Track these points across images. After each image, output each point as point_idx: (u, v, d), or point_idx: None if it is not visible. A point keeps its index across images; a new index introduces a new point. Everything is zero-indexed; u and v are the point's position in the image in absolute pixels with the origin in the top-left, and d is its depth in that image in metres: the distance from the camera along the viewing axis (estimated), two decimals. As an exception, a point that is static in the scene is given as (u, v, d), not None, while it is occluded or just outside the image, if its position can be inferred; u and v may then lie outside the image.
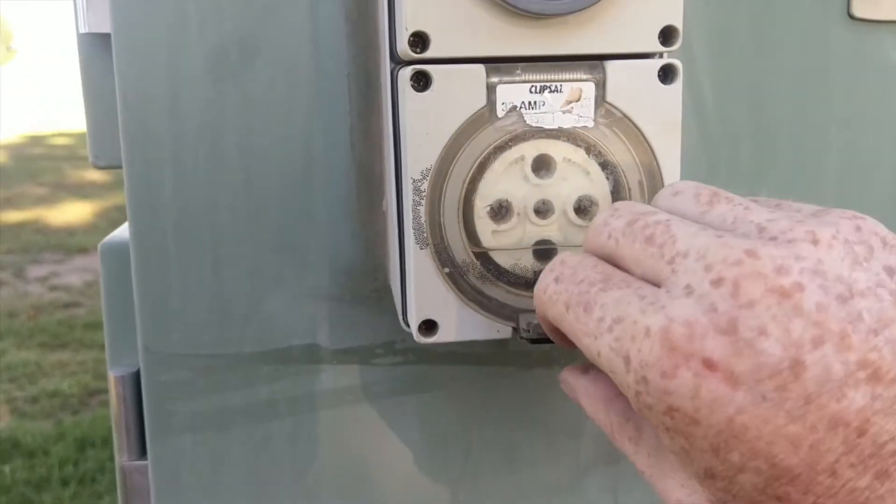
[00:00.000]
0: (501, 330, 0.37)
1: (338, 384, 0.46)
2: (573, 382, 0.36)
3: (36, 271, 4.03)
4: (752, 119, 0.47)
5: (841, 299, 0.24)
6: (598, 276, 0.28)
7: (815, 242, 0.25)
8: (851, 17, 0.47)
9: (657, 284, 0.26)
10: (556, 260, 0.31)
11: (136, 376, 0.46)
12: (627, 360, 0.25)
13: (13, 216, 4.77)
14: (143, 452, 0.47)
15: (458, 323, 0.36)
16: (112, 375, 0.46)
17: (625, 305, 0.26)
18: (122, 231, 0.49)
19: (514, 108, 0.35)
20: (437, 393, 0.47)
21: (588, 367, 0.35)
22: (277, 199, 0.44)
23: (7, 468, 2.46)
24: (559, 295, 0.29)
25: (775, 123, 0.47)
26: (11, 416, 2.81)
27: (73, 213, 4.88)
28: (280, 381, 0.46)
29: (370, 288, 0.45)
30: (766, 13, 0.46)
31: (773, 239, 0.25)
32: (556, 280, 0.30)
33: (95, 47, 0.45)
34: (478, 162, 0.35)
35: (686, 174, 0.46)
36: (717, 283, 0.24)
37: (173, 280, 0.44)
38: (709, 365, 0.24)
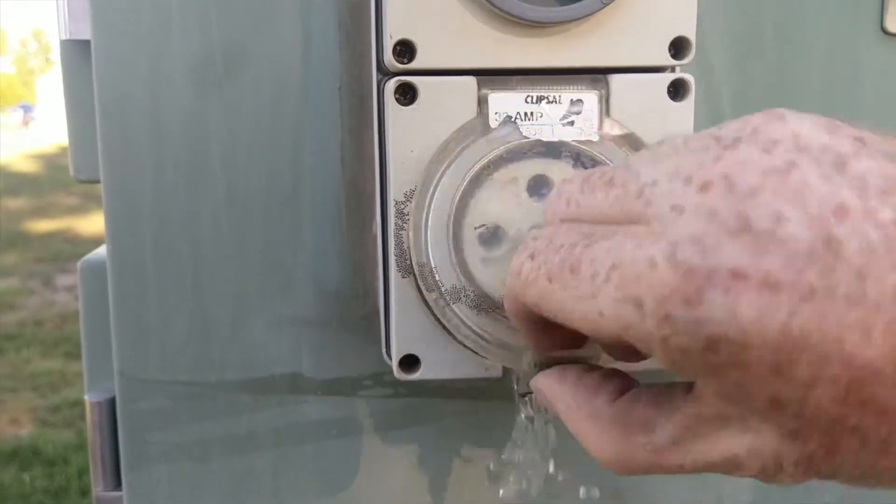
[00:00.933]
0: (490, 368, 0.34)
1: (323, 416, 0.43)
2: (551, 390, 0.30)
3: (64, 280, 4.07)
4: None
5: (838, 166, 0.21)
6: (578, 235, 0.24)
7: (781, 118, 0.22)
8: (885, 31, 0.44)
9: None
10: (526, 240, 0.27)
11: (113, 402, 0.43)
12: (639, 304, 0.21)
13: (44, 225, 4.84)
14: (118, 483, 0.44)
15: (443, 359, 0.33)
16: (88, 400, 0.44)
17: (617, 250, 0.22)
18: (105, 249, 0.47)
19: (509, 118, 0.32)
20: (429, 427, 0.43)
21: (566, 372, 0.31)
22: (262, 218, 0.41)
23: (27, 476, 2.47)
24: (538, 269, 0.25)
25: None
26: (33, 424, 2.82)
27: (103, 223, 4.92)
28: (262, 411, 0.43)
29: (359, 314, 0.42)
30: (793, 25, 0.43)
31: (737, 139, 0.22)
32: (532, 256, 0.26)
33: (76, 55, 0.43)
34: (468, 180, 0.32)
35: (700, 198, 0.43)
36: (704, 187, 0.21)
37: (151, 301, 0.41)
38: (736, 275, 0.20)
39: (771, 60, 0.43)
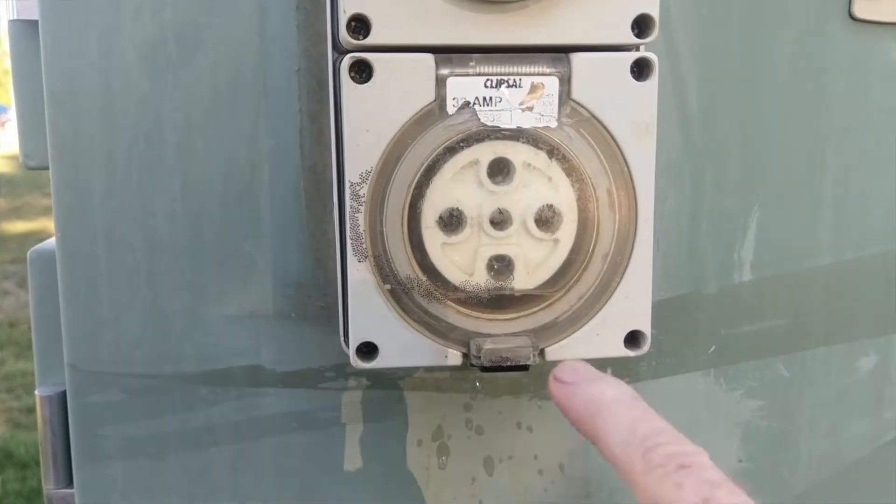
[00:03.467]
0: (450, 356, 0.33)
1: (283, 409, 0.42)
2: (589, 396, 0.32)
3: (38, 282, 4.01)
4: (741, 125, 0.42)
5: None
6: None
7: None
8: (853, 17, 0.43)
9: None
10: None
11: (64, 396, 0.42)
12: None
13: (19, 226, 4.77)
14: (70, 480, 0.43)
15: (401, 346, 0.32)
16: (38, 395, 0.42)
17: None
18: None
19: (468, 104, 0.31)
20: (394, 421, 0.42)
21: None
22: (219, 206, 0.40)
23: (-1, 478, 2.43)
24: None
25: (767, 130, 0.43)
26: (6, 426, 2.77)
27: (78, 224, 4.85)
28: (220, 404, 0.41)
29: (320, 304, 0.41)
30: (760, 9, 0.42)
31: None
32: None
33: (25, 36, 0.41)
34: (425, 165, 0.31)
35: (666, 184, 0.42)
36: None
37: (104, 292, 0.40)
38: None
39: (737, 46, 0.42)
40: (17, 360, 3.21)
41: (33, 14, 0.39)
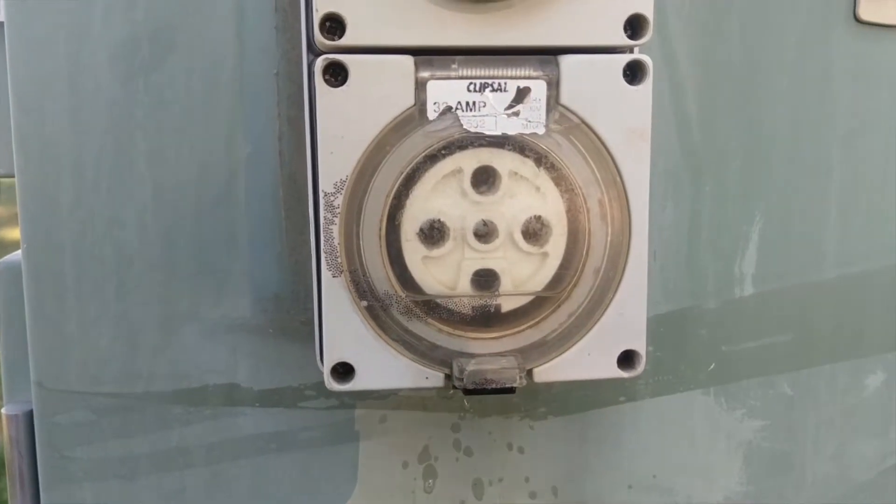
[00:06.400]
0: (431, 377, 0.31)
1: (261, 430, 0.40)
2: None
3: (37, 289, 4.00)
4: (742, 131, 0.41)
5: None
6: None
7: None
8: (858, 20, 0.41)
9: None
10: None
11: (31, 416, 0.40)
12: None
13: (17, 234, 4.75)
14: (38, 503, 0.41)
15: (379, 367, 0.30)
16: (3, 413, 0.40)
17: None
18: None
19: (449, 109, 0.29)
20: (376, 441, 0.40)
21: None
22: (193, 217, 0.38)
23: (-7, 490, 2.41)
24: None
25: (769, 136, 0.41)
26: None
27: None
28: (194, 424, 0.40)
29: (299, 319, 0.39)
30: (762, 12, 0.40)
31: None
32: None
33: (-9, 38, 0.40)
34: (405, 173, 0.30)
35: (663, 194, 0.40)
36: None
37: (71, 306, 0.38)
38: None
39: (738, 48, 0.40)
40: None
41: (-1, 15, 0.38)
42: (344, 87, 0.29)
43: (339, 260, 0.30)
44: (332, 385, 0.30)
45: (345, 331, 0.30)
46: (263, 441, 0.40)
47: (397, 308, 0.30)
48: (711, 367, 0.43)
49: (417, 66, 0.29)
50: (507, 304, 0.31)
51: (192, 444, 0.40)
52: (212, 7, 0.37)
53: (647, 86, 0.30)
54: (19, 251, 0.44)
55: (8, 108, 0.38)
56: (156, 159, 0.38)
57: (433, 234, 0.30)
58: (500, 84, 0.29)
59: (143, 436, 0.40)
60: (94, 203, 0.38)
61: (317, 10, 0.28)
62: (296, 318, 0.39)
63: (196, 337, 0.39)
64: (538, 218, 0.30)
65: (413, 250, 0.30)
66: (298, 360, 0.40)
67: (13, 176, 0.39)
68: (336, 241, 0.29)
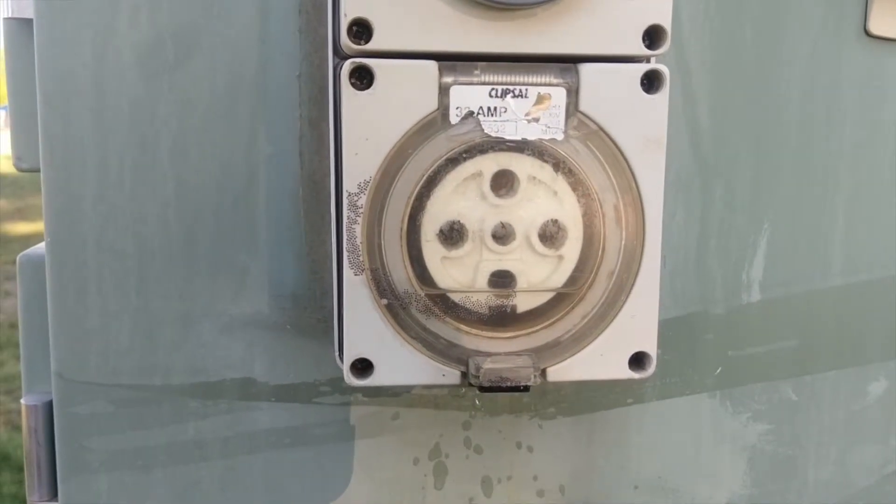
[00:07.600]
0: (448, 374, 0.31)
1: (276, 424, 0.41)
2: None
3: (39, 283, 3.99)
4: (752, 140, 0.41)
5: None
6: None
7: None
8: (868, 33, 0.42)
9: None
10: None
11: (51, 406, 0.41)
12: None
13: (22, 228, 4.76)
14: (55, 492, 0.41)
15: (397, 364, 0.31)
16: (24, 404, 0.41)
17: None
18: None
19: (471, 113, 0.30)
20: (388, 438, 0.41)
21: None
22: (214, 214, 0.39)
23: (-5, 482, 2.41)
24: None
25: (779, 146, 0.42)
26: (4, 428, 2.76)
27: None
28: (210, 418, 0.40)
29: (315, 317, 0.40)
30: (774, 24, 0.41)
31: None
32: None
33: (20, 34, 0.40)
34: (426, 176, 0.30)
35: (674, 200, 0.41)
36: None
37: (93, 299, 0.39)
38: None
39: (750, 60, 0.41)
40: (17, 362, 3.19)
41: (29, 12, 0.38)
42: (370, 90, 0.30)
43: (360, 258, 0.30)
44: (351, 380, 0.31)
45: (365, 328, 0.31)
46: (278, 435, 0.41)
47: (416, 306, 0.31)
48: (718, 371, 0.43)
49: (441, 72, 0.30)
50: (523, 305, 0.32)
51: (208, 437, 0.41)
52: (236, 9, 0.38)
53: (663, 95, 0.31)
54: (38, 246, 0.45)
55: (35, 105, 0.39)
56: (178, 157, 0.38)
57: (453, 235, 0.31)
58: (521, 90, 0.30)
59: (160, 428, 0.40)
60: (116, 199, 0.38)
61: (345, 15, 0.29)
62: (312, 316, 0.40)
63: (214, 332, 0.40)
64: (555, 221, 0.31)
65: (433, 250, 0.31)
66: (314, 357, 0.40)
67: (38, 170, 0.40)
68: (358, 240, 0.30)
